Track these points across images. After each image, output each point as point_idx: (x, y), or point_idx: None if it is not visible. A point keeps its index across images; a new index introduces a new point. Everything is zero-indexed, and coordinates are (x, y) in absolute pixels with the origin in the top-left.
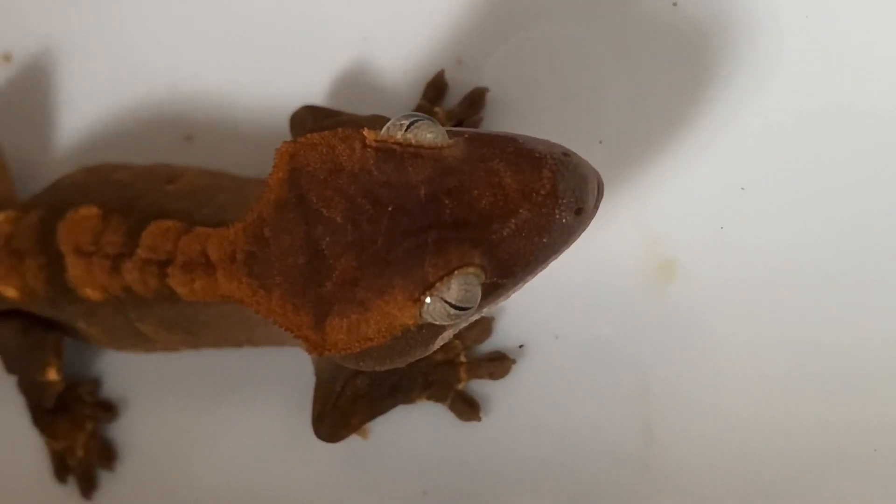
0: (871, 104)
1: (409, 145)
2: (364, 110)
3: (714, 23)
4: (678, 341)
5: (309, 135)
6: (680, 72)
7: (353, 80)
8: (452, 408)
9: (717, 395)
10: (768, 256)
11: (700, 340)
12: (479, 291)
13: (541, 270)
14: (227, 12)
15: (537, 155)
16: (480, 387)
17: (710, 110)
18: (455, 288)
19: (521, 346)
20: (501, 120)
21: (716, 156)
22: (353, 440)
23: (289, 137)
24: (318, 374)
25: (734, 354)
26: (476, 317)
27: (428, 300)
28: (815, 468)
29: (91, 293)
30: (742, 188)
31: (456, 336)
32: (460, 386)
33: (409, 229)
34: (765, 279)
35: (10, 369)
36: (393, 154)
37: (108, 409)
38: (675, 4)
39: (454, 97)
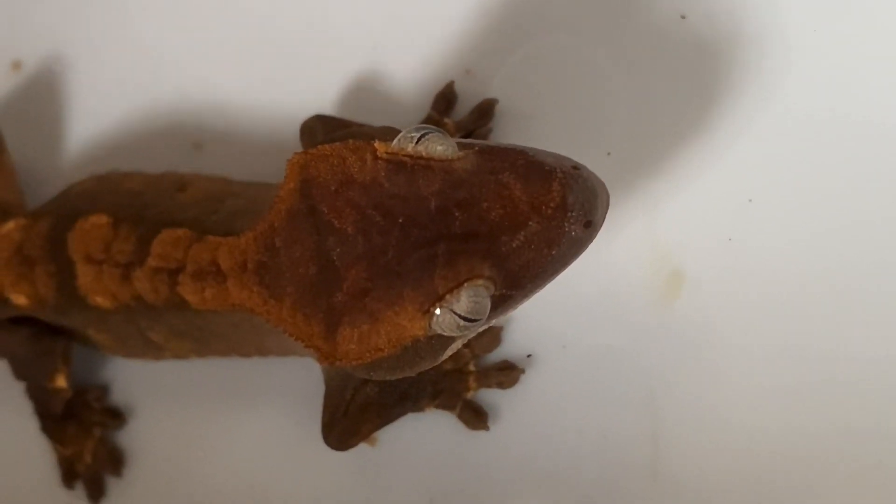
0: (880, 117)
1: (420, 158)
2: (373, 119)
3: (722, 36)
4: (686, 351)
5: (320, 146)
6: (688, 84)
7: (363, 89)
8: (461, 416)
9: (724, 404)
10: (776, 268)
11: (707, 351)
12: (488, 303)
13: (549, 282)
14: (237, 21)
15: (547, 168)
16: (489, 396)
17: (718, 123)
18: (464, 300)
19: (529, 356)
20: (510, 131)
21: (724, 168)
22: (362, 448)
23: (298, 146)
24: (328, 382)
25: (741, 365)
26: (485, 327)
27: (437, 312)
28: (821, 479)
29: (101, 301)
30: (750, 200)
31: (465, 345)
32: (469, 395)
33: (420, 241)
34: (772, 290)
35: (19, 376)
36: (403, 166)
37: (117, 416)
38: (683, 17)
39: (463, 108)
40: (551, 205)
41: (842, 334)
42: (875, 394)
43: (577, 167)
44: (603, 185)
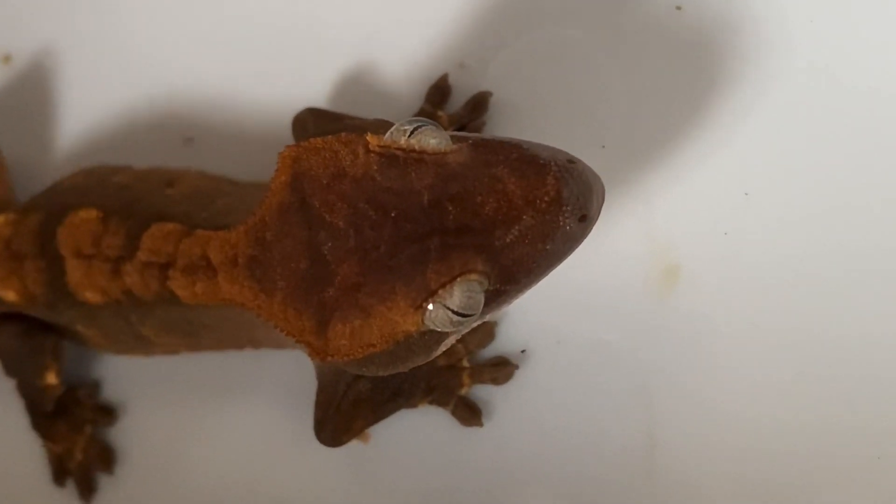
0: (877, 109)
1: (413, 151)
2: (366, 113)
3: (718, 27)
4: (681, 346)
5: (312, 139)
6: (684, 76)
7: (356, 82)
8: (454, 413)
9: (721, 399)
10: (771, 262)
11: (703, 345)
12: (481, 298)
13: (544, 277)
14: (228, 14)
15: (541, 161)
16: (482, 392)
17: (714, 115)
18: (458, 295)
19: (523, 351)
20: (504, 123)
21: (720, 161)
22: (355, 445)
23: (290, 140)
24: (320, 377)
25: (738, 359)
26: (479, 322)
27: (430, 307)
28: (818, 473)
29: (91, 296)
30: (746, 193)
31: (459, 341)
32: (463, 391)
33: (412, 235)
34: (768, 284)
35: (10, 372)
36: (396, 160)
37: (108, 413)
38: (678, 8)
39: (457, 100)
40: (546, 199)
41: (839, 327)
42: (873, 387)
43: (572, 161)
44: (598, 178)
